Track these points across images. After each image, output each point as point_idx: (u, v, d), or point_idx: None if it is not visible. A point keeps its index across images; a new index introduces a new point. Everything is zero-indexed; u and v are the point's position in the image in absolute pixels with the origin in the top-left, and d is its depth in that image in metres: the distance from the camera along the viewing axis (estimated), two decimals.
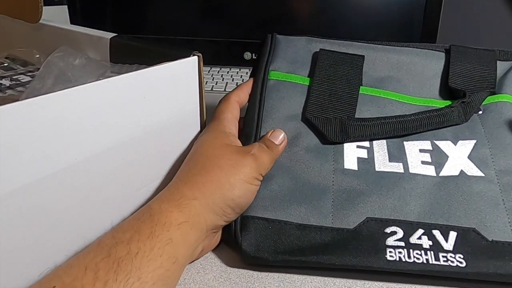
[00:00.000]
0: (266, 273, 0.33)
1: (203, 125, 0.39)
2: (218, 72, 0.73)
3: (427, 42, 0.70)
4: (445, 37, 0.72)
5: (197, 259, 0.34)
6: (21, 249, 0.27)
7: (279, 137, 0.38)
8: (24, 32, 0.47)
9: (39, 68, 0.38)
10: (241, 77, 0.72)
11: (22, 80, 0.43)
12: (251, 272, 0.34)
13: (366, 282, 0.33)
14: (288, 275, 0.33)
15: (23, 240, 0.27)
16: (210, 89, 0.68)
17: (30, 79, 0.42)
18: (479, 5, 0.80)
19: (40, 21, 0.44)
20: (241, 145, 0.37)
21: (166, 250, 0.27)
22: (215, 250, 0.36)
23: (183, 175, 0.33)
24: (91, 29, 0.43)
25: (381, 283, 0.33)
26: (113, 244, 0.27)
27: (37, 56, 0.46)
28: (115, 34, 0.41)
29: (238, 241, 0.34)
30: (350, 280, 0.33)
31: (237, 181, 0.32)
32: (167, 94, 0.34)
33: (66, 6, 0.72)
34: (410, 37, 0.71)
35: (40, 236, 0.28)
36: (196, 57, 0.35)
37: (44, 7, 0.44)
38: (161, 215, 0.29)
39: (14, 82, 0.42)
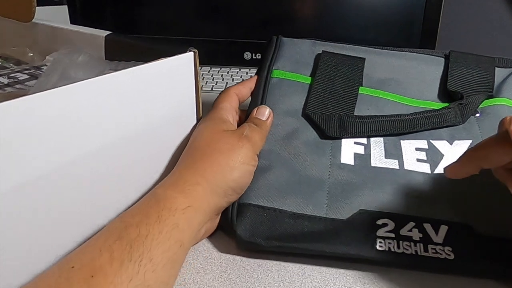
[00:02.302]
0: (266, 274, 0.33)
1: (199, 119, 0.40)
2: (218, 72, 0.73)
3: (427, 43, 0.71)
4: (445, 38, 0.72)
5: (199, 241, 0.36)
6: (28, 243, 0.27)
7: (265, 113, 0.39)
8: (17, 31, 0.48)
9: (35, 67, 0.38)
10: (241, 77, 0.72)
11: (20, 78, 0.43)
12: (251, 272, 0.34)
13: (356, 272, 0.34)
14: (287, 277, 0.33)
15: (29, 235, 0.27)
16: (210, 89, 0.68)
17: (28, 77, 0.43)
18: (478, 7, 0.80)
19: (33, 20, 0.44)
20: None
21: (173, 234, 0.28)
22: (216, 249, 0.36)
23: (185, 161, 0.34)
24: (85, 27, 0.43)
25: (369, 273, 0.33)
26: (122, 227, 0.27)
27: (30, 54, 0.47)
28: (110, 32, 0.41)
29: (234, 227, 0.35)
30: (330, 269, 0.34)
31: (236, 163, 0.34)
32: (166, 89, 0.35)
33: (66, 6, 0.73)
34: (410, 38, 0.71)
35: (47, 231, 0.28)
36: (192, 52, 0.36)
37: (44, 7, 0.44)
38: (166, 200, 0.30)
39: (12, 80, 0.42)
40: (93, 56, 0.41)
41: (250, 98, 0.43)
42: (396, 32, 0.71)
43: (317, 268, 0.34)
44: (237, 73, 0.73)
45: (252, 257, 0.35)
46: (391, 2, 0.70)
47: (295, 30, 0.73)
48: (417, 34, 0.71)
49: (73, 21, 0.73)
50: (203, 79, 0.71)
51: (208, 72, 0.73)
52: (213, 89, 0.68)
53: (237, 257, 0.35)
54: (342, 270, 0.34)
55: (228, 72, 0.73)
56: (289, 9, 0.73)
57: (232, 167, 0.33)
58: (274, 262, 0.34)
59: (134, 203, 0.34)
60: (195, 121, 0.39)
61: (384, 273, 0.33)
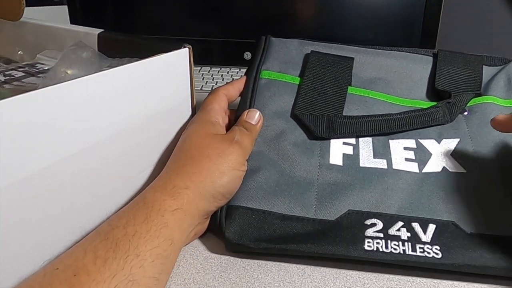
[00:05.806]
0: (266, 274, 0.33)
1: (193, 112, 0.40)
2: (218, 72, 0.73)
3: (427, 43, 0.71)
4: (445, 38, 0.72)
5: (188, 243, 0.36)
6: (16, 245, 0.27)
7: (255, 117, 0.39)
8: (6, 30, 0.48)
9: (29, 64, 0.38)
10: (240, 77, 0.71)
11: (16, 76, 0.43)
12: (251, 272, 0.33)
13: (356, 272, 0.33)
14: (287, 277, 0.33)
15: (20, 235, 0.27)
16: (210, 89, 0.68)
17: (23, 74, 0.43)
18: (478, 7, 0.80)
19: (22, 19, 0.44)
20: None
21: (162, 232, 0.28)
22: (216, 250, 0.36)
23: (174, 165, 0.34)
24: (77, 26, 0.43)
25: (359, 272, 0.33)
26: (109, 229, 0.28)
27: (20, 53, 0.46)
28: (102, 30, 0.41)
29: (222, 229, 0.35)
30: (330, 269, 0.34)
31: (225, 169, 0.34)
32: (164, 83, 0.36)
33: (66, 6, 0.73)
34: (410, 38, 0.71)
35: (52, 222, 0.29)
36: (187, 48, 0.37)
37: (44, 7, 0.44)
38: (155, 202, 0.30)
39: (8, 77, 0.42)
40: (96, 53, 0.41)
41: (239, 98, 0.43)
42: (396, 32, 0.71)
43: (317, 268, 0.34)
44: (237, 73, 0.73)
45: (252, 257, 0.35)
46: (391, 2, 0.70)
47: (295, 30, 0.73)
48: (417, 34, 0.71)
49: (73, 21, 0.73)
50: (203, 79, 0.71)
51: (208, 72, 0.73)
52: (213, 89, 0.68)
53: (237, 257, 0.35)
54: (342, 270, 0.34)
55: (228, 72, 0.73)
56: (289, 9, 0.73)
57: (222, 173, 0.33)
58: (274, 262, 0.34)
59: (135, 191, 0.35)
60: (190, 113, 0.40)
61: (384, 274, 0.33)
